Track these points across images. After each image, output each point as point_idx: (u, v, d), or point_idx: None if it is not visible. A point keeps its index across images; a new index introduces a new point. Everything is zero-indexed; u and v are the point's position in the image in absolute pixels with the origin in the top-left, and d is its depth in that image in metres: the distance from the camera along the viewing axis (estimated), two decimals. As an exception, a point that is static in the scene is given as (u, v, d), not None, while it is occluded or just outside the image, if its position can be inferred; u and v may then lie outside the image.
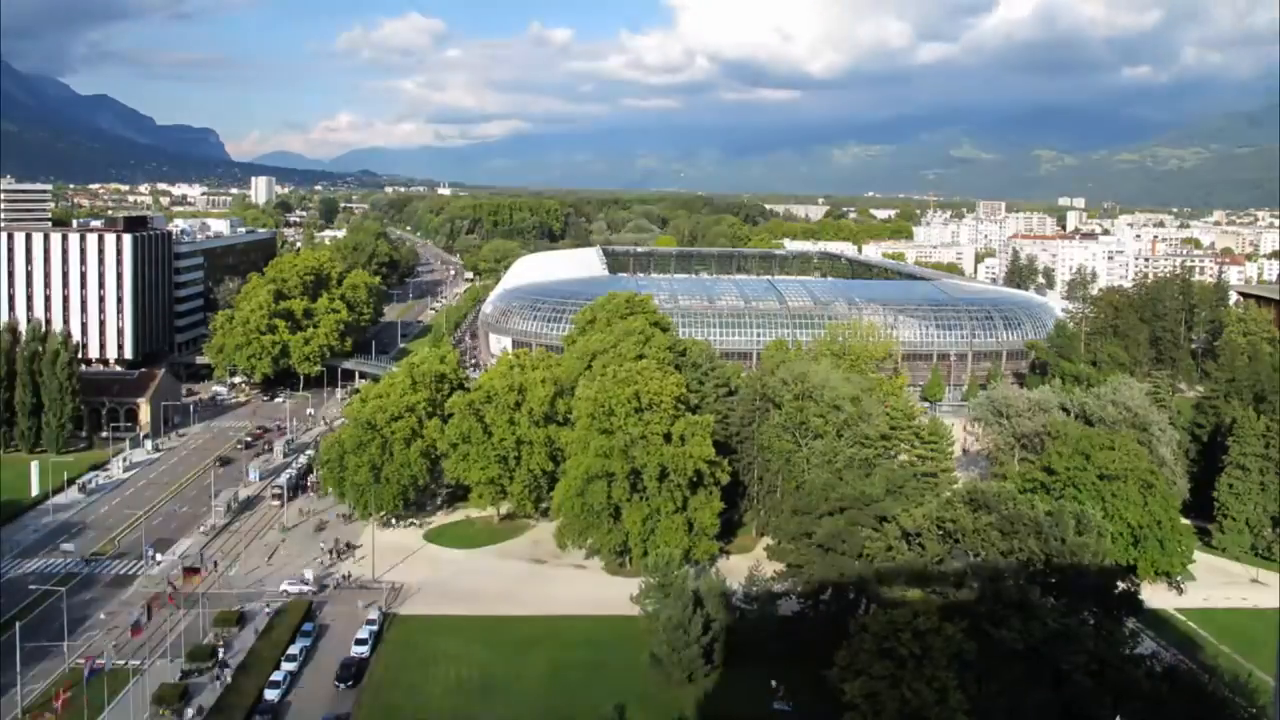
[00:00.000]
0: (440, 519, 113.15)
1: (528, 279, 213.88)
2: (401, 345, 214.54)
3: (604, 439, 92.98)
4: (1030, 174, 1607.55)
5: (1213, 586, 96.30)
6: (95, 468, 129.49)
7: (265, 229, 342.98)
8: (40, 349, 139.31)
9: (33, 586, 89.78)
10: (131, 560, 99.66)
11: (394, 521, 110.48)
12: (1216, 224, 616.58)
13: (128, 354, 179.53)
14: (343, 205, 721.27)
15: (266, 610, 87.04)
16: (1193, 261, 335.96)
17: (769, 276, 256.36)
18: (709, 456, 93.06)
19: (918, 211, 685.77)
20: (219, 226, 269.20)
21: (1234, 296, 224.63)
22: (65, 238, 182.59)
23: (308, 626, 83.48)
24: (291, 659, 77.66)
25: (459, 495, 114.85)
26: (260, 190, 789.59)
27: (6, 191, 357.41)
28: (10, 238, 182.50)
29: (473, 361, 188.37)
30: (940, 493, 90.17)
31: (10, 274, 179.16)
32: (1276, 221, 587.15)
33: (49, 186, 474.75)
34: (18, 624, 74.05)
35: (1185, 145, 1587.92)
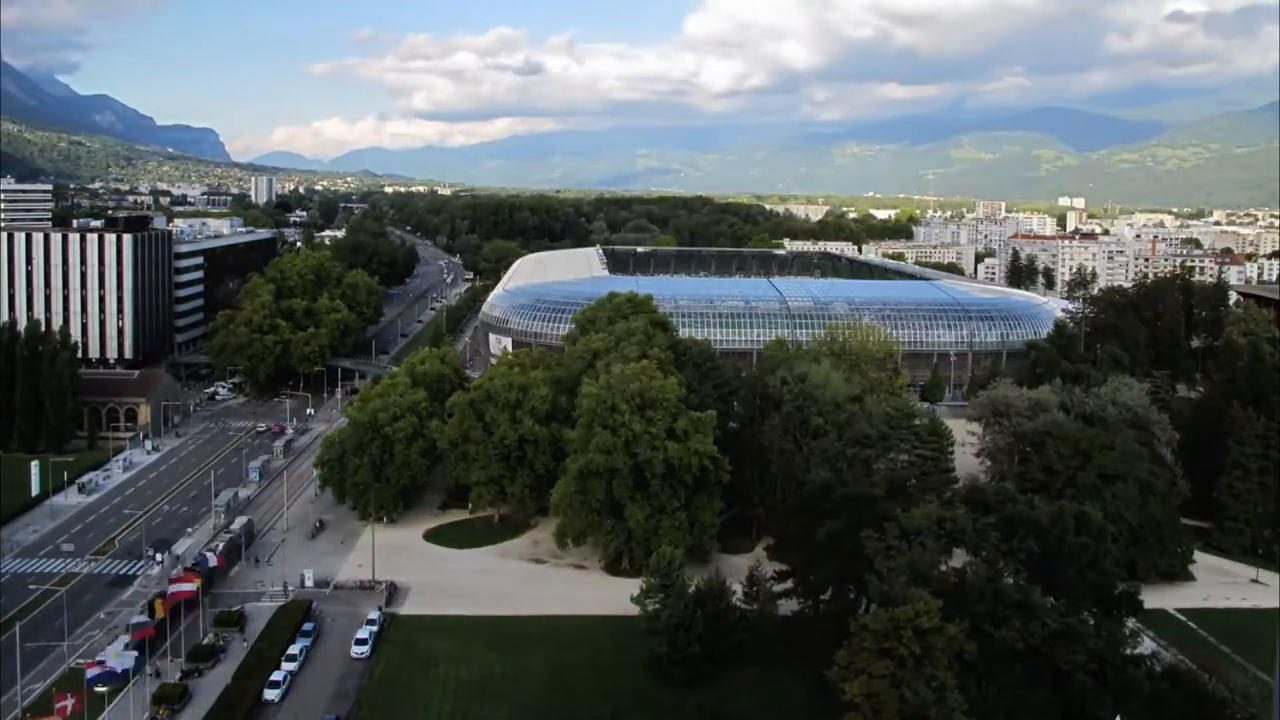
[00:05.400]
0: (440, 519, 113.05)
1: (528, 279, 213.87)
2: (405, 344, 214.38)
3: (607, 434, 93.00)
4: (1030, 174, 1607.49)
5: (1213, 586, 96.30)
6: (95, 468, 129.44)
7: (265, 229, 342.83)
8: (40, 349, 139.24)
9: (33, 586, 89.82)
10: (132, 560, 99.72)
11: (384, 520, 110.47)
12: (1216, 224, 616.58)
13: (128, 354, 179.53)
14: (342, 205, 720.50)
15: (269, 602, 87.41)
16: (1193, 261, 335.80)
17: (769, 277, 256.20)
18: (712, 454, 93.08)
19: (917, 211, 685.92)
20: (219, 226, 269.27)
21: (1234, 296, 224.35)
22: (65, 238, 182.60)
23: (308, 626, 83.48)
24: (291, 659, 77.64)
25: (459, 495, 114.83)
26: (260, 190, 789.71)
27: (6, 191, 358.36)
28: (10, 238, 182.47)
29: (473, 362, 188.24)
30: (940, 493, 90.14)
31: (10, 274, 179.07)
32: (1276, 221, 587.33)
33: (49, 186, 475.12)
34: (18, 624, 74.12)
35: (1185, 145, 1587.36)
